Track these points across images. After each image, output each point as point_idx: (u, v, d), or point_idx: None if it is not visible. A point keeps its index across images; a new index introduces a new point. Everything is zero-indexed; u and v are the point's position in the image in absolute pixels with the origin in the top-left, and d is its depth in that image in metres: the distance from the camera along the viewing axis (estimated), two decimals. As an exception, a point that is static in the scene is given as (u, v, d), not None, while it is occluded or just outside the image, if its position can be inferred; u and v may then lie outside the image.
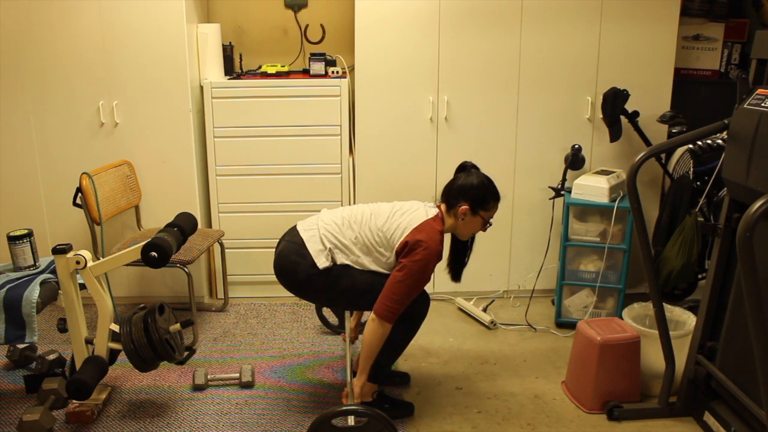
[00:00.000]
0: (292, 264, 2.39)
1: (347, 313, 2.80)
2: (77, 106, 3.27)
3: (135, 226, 3.44)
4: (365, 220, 2.40)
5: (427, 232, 2.32)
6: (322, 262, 2.36)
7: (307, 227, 2.45)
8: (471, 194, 2.38)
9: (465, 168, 2.47)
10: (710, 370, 2.37)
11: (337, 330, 3.22)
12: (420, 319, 2.50)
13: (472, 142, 3.41)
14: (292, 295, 2.52)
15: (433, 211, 2.40)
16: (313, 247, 2.38)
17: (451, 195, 2.42)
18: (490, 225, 2.46)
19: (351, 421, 2.18)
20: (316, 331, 3.25)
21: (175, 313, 2.60)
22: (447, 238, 2.49)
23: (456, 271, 2.63)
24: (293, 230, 2.48)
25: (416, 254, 2.29)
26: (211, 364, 2.94)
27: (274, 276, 2.47)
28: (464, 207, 2.38)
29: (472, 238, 2.57)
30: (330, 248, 2.37)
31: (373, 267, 2.39)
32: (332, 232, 2.40)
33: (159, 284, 3.52)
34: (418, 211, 2.39)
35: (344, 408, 2.20)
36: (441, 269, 3.57)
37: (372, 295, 2.34)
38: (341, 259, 2.38)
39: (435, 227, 2.35)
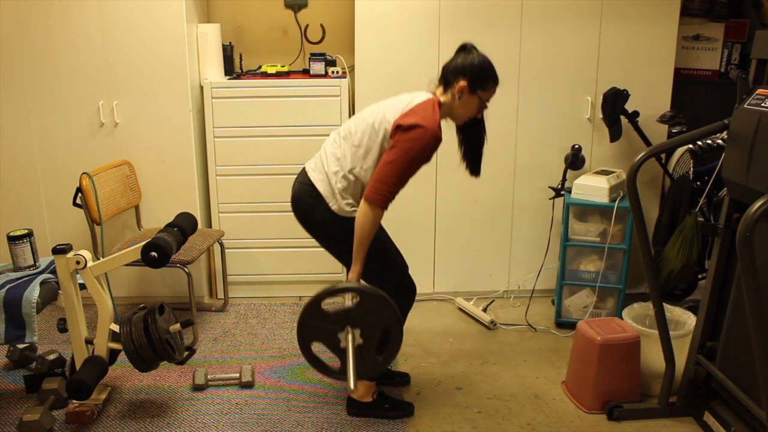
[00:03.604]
0: (308, 206, 2.37)
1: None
2: (77, 106, 3.27)
3: (135, 226, 3.44)
4: (356, 127, 2.33)
5: (422, 114, 2.20)
6: (333, 203, 2.31)
7: (314, 167, 2.40)
8: (471, 72, 2.26)
9: (465, 48, 2.35)
10: (710, 370, 2.37)
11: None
12: (404, 311, 2.46)
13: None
14: (310, 236, 2.44)
15: (426, 95, 2.30)
16: (324, 189, 2.33)
17: (449, 72, 2.30)
18: (486, 108, 2.36)
19: (348, 300, 2.09)
20: (316, 331, 3.25)
21: (175, 313, 2.60)
22: (451, 130, 2.41)
23: (474, 161, 2.49)
24: (303, 171, 2.44)
25: (409, 134, 2.17)
26: (211, 364, 2.94)
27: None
28: (462, 84, 2.26)
29: (483, 123, 2.45)
30: (335, 182, 2.30)
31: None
32: (333, 160, 2.34)
33: (159, 284, 3.52)
34: (410, 97, 2.30)
35: (338, 287, 2.06)
36: (442, 270, 3.62)
37: (375, 265, 2.28)
38: (347, 188, 2.30)
39: (429, 109, 2.23)
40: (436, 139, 2.19)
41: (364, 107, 3.30)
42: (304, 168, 2.46)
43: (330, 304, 2.09)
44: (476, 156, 2.49)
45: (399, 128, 2.20)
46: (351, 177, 2.31)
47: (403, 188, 2.25)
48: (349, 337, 2.01)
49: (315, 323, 2.03)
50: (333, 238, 2.40)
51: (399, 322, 2.03)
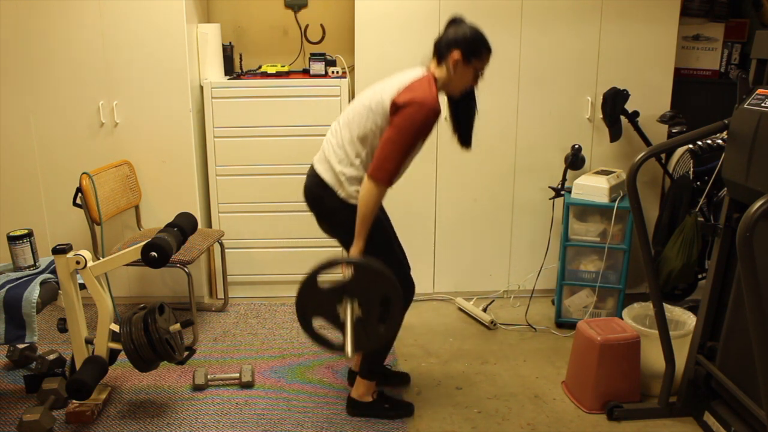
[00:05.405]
0: (318, 197, 2.37)
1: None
2: (77, 106, 3.27)
3: (135, 226, 3.44)
4: (353, 112, 2.33)
5: (418, 90, 2.20)
6: (341, 191, 2.30)
7: (319, 158, 2.41)
8: (464, 43, 2.26)
9: (455, 21, 2.36)
10: (710, 370, 2.38)
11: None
12: (404, 307, 2.46)
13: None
14: (321, 231, 2.41)
15: (421, 71, 2.30)
16: (330, 179, 2.32)
17: (442, 45, 2.30)
18: (481, 77, 2.38)
19: (347, 273, 2.08)
20: (316, 331, 3.25)
21: (175, 313, 2.60)
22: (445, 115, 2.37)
23: (465, 133, 2.49)
24: (311, 166, 2.44)
25: (407, 110, 2.17)
26: (211, 364, 2.94)
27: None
28: (456, 56, 2.25)
29: (474, 96, 2.45)
30: (340, 171, 2.30)
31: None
32: (336, 149, 2.34)
33: (159, 284, 3.52)
34: (404, 75, 2.30)
35: (332, 260, 2.05)
36: (442, 270, 3.62)
37: (385, 258, 2.24)
38: (352, 175, 2.30)
39: (425, 84, 2.23)
40: (434, 113, 2.19)
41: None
42: (312, 164, 2.46)
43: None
44: (468, 127, 2.49)
45: (396, 106, 2.20)
46: (356, 162, 2.31)
47: (407, 165, 2.27)
48: (348, 307, 2.01)
49: (312, 298, 2.03)
50: (342, 225, 2.36)
51: (397, 291, 2.01)
